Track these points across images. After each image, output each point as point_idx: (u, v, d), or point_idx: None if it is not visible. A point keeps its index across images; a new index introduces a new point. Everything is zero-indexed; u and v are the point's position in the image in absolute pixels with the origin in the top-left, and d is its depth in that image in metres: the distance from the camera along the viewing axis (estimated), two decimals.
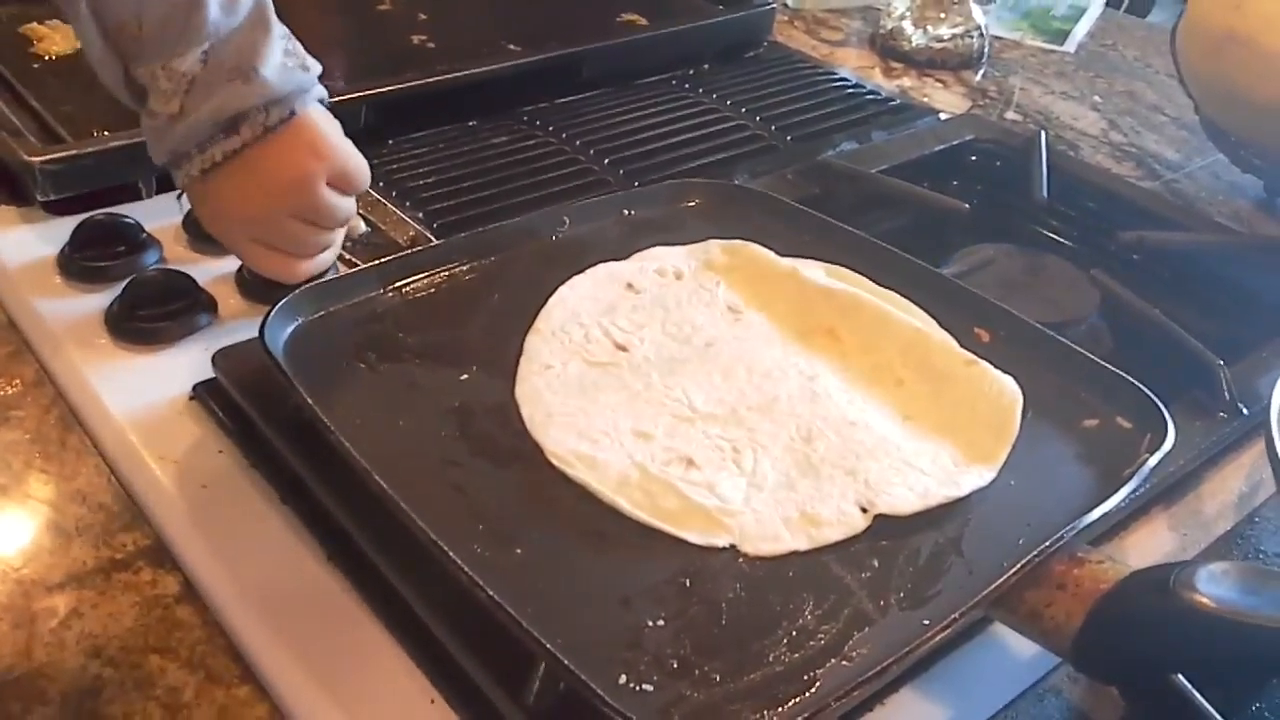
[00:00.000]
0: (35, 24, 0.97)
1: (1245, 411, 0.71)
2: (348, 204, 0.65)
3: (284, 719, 0.50)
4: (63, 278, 0.73)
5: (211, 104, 0.58)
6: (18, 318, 0.71)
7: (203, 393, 0.65)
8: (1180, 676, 0.46)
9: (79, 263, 0.74)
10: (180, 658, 0.52)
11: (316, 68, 0.62)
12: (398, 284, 0.68)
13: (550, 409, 0.60)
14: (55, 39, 0.94)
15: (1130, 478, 0.57)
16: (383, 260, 0.68)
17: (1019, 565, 0.49)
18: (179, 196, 0.67)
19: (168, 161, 0.61)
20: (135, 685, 0.51)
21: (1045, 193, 0.94)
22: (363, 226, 0.78)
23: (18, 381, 0.67)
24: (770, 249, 0.73)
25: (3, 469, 0.61)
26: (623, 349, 0.65)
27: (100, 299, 0.71)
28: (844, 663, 0.48)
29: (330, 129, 0.63)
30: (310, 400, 0.55)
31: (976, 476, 0.58)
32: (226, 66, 0.58)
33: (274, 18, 0.60)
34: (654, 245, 0.74)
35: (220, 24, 0.58)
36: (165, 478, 0.60)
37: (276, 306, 0.62)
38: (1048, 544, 0.50)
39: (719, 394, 0.62)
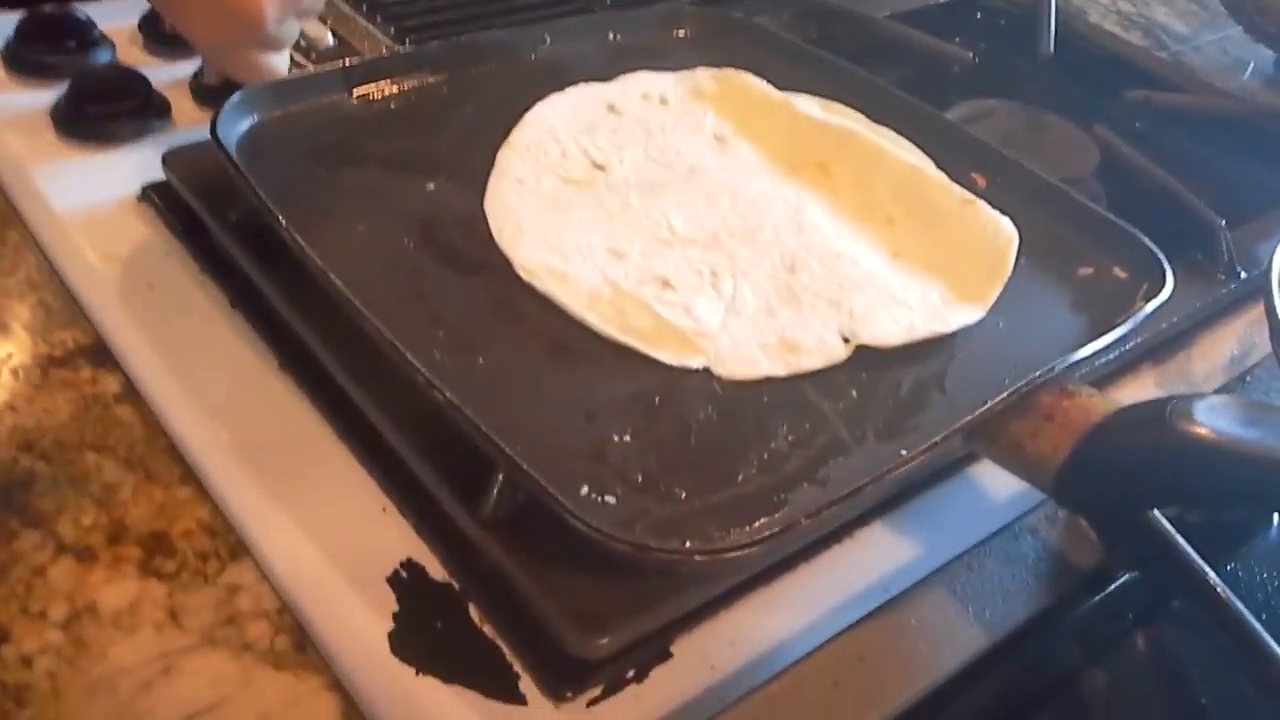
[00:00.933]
0: None
1: (1243, 275, 0.68)
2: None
3: (226, 521, 0.47)
4: (7, 72, 0.69)
5: None
6: None
7: (152, 194, 0.61)
8: (1159, 514, 0.44)
9: (24, 56, 0.69)
10: (118, 456, 0.49)
11: None
12: (364, 89, 0.64)
13: (520, 222, 0.56)
14: None
15: (1124, 321, 0.54)
16: (348, 61, 0.64)
17: (1006, 393, 0.47)
18: None
19: None
20: (69, 480, 0.48)
21: (1051, 50, 0.89)
22: (330, 39, 0.74)
23: None
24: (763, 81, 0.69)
25: None
26: (600, 168, 0.61)
27: (47, 95, 0.66)
28: (816, 487, 0.46)
29: None
30: (263, 196, 0.52)
31: (965, 314, 0.55)
32: None
33: None
34: (639, 70, 0.70)
35: None
36: (109, 276, 0.56)
37: (230, 100, 0.57)
38: (1037, 374, 0.48)
39: (700, 219, 0.59)
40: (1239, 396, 0.54)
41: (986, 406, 0.47)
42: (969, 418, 0.46)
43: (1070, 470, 0.45)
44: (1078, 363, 0.51)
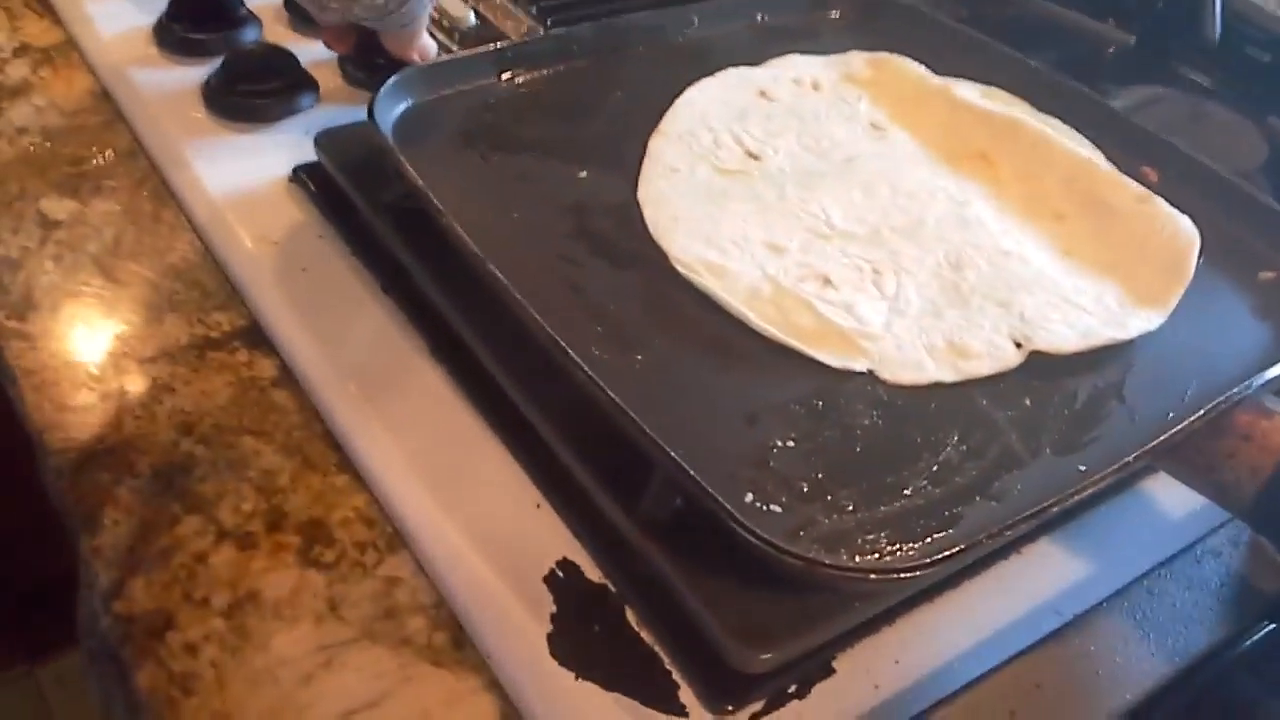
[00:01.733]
0: None
1: None
2: None
3: (382, 510, 0.47)
4: (159, 48, 0.69)
5: None
6: (112, 86, 0.67)
7: (303, 175, 0.61)
8: None
9: (176, 33, 0.69)
10: (276, 441, 0.49)
11: None
12: (513, 73, 0.63)
13: (676, 213, 0.55)
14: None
15: None
16: (499, 45, 0.63)
17: (1203, 411, 0.44)
18: None
19: None
20: (228, 465, 0.48)
21: (1217, 33, 0.84)
22: (472, 18, 0.73)
23: (110, 152, 0.64)
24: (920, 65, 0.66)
25: (94, 238, 0.58)
26: (755, 157, 0.59)
27: (198, 72, 0.67)
28: (990, 502, 0.44)
29: None
30: (420, 182, 0.51)
31: (1144, 320, 0.52)
32: None
33: None
34: (790, 53, 0.68)
35: None
36: (264, 258, 0.56)
37: (387, 83, 0.57)
38: (1235, 390, 0.45)
39: (859, 212, 0.57)
40: None
41: (1182, 425, 0.44)
42: (1160, 438, 0.44)
43: (1271, 495, 0.42)
44: (1274, 380, 0.47)
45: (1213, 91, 0.85)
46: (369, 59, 0.66)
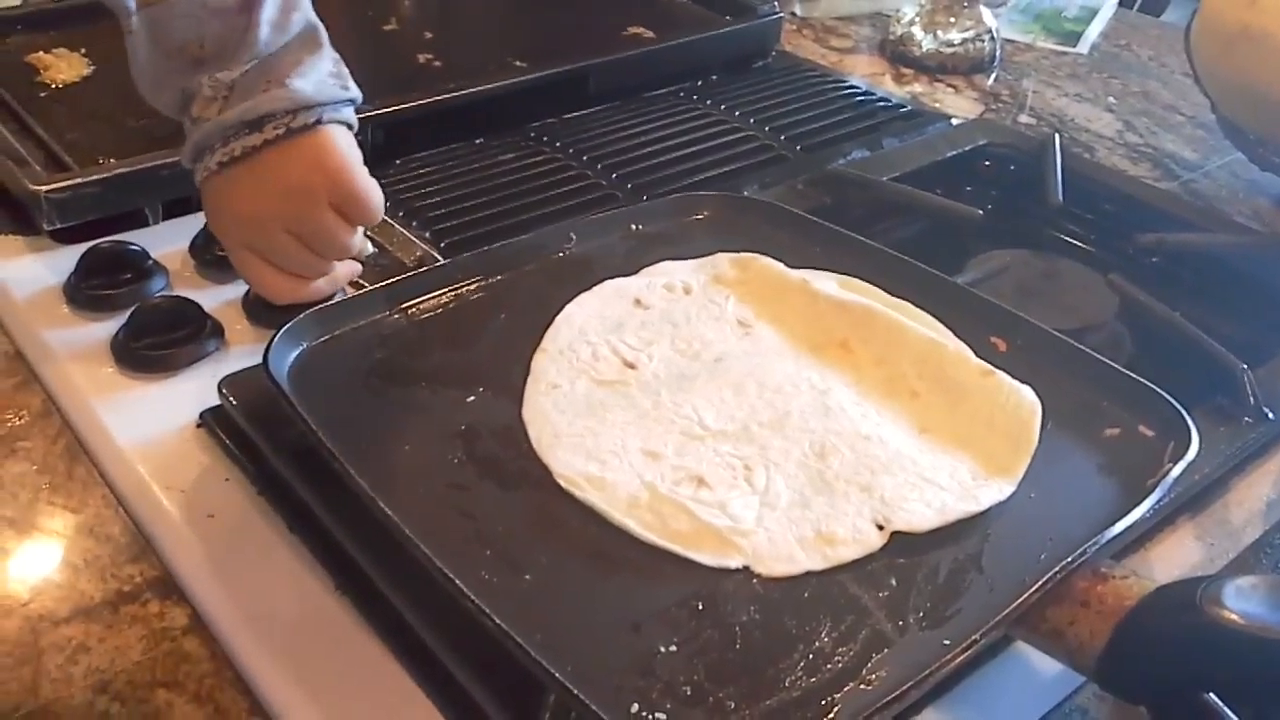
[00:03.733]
0: (41, 53, 0.97)
1: (1271, 416, 0.69)
2: (347, 235, 0.65)
3: None
4: (70, 307, 0.73)
5: (245, 105, 0.61)
6: (25, 348, 0.71)
7: (210, 420, 0.64)
8: (1212, 695, 0.45)
9: (85, 291, 0.73)
10: (188, 691, 0.51)
11: (358, 96, 0.65)
12: (405, 305, 0.67)
13: (557, 429, 0.59)
14: (61, 67, 0.94)
15: (1154, 488, 0.55)
16: (390, 281, 0.67)
17: (1040, 583, 0.48)
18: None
19: (192, 157, 0.63)
20: None
21: (1060, 196, 0.92)
22: (370, 248, 0.78)
23: (25, 413, 0.67)
24: (780, 260, 0.72)
25: (10, 501, 0.61)
26: (631, 366, 0.64)
27: (107, 327, 0.71)
28: (863, 686, 0.47)
29: (349, 152, 0.65)
30: (314, 426, 0.55)
31: (995, 490, 0.57)
32: (267, 76, 0.61)
33: (326, 41, 0.65)
34: (662, 260, 0.74)
35: (270, 41, 0.62)
36: (172, 508, 0.59)
37: (280, 331, 0.61)
38: (1070, 560, 0.49)
39: (730, 410, 0.61)
40: (1268, 576, 0.54)
41: (1022, 598, 0.48)
42: (1006, 610, 0.47)
43: (1110, 657, 0.45)
44: (1109, 541, 0.52)
45: (1064, 249, 0.92)
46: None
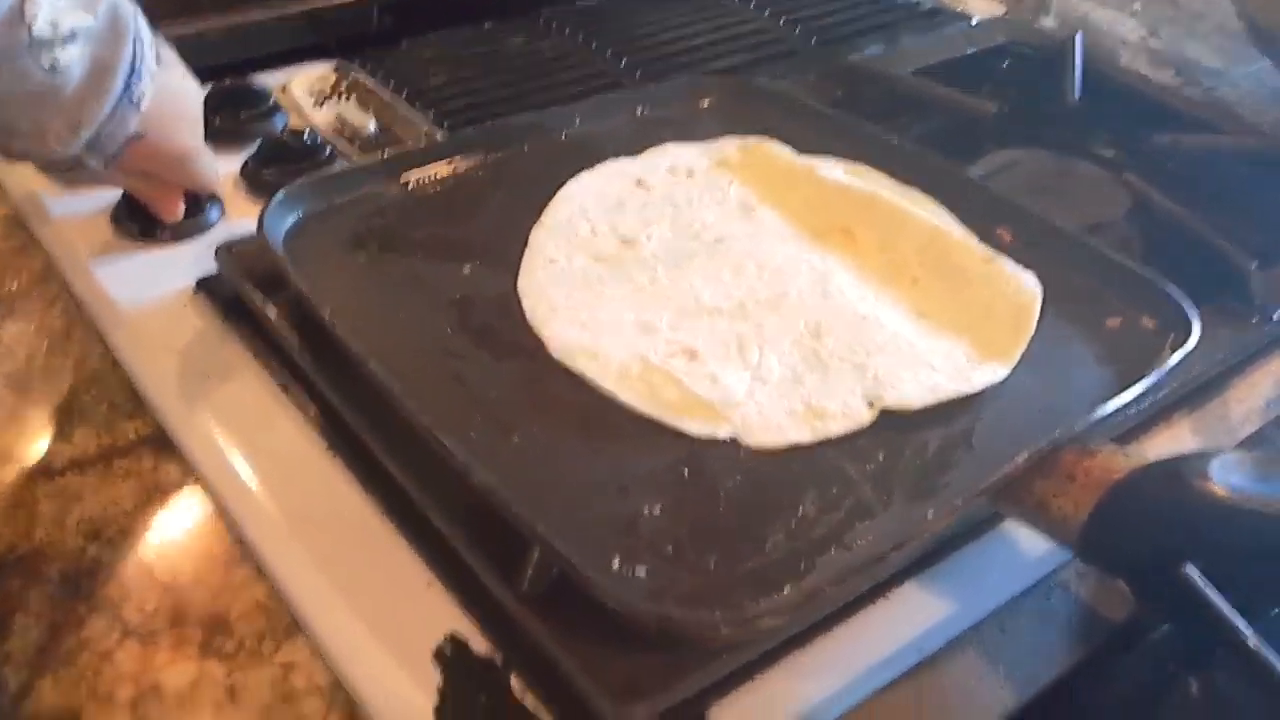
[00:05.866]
0: None
1: (1276, 317, 0.68)
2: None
3: (280, 600, 0.50)
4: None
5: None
6: (24, 213, 0.71)
7: (206, 287, 0.64)
8: (1191, 569, 0.45)
9: None
10: (178, 542, 0.52)
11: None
12: (403, 178, 0.67)
13: (553, 302, 0.59)
14: None
15: (1149, 374, 0.55)
16: (388, 152, 0.67)
17: (1027, 454, 0.48)
18: None
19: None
20: (133, 566, 0.51)
21: (1078, 97, 0.90)
22: (371, 127, 0.77)
23: (24, 275, 0.67)
24: (787, 147, 0.71)
25: (8, 358, 0.61)
26: (629, 244, 0.63)
27: (106, 195, 0.70)
28: (844, 551, 0.48)
29: (168, 137, 0.61)
30: (306, 290, 0.55)
31: (990, 372, 0.56)
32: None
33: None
34: (666, 143, 0.73)
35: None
36: (168, 367, 0.59)
37: (276, 197, 0.61)
38: (1057, 433, 0.49)
39: (727, 289, 0.61)
40: (1254, 452, 0.54)
41: (1008, 468, 0.48)
42: (991, 480, 0.47)
43: (1092, 529, 0.45)
44: (1101, 420, 0.51)
45: (1079, 150, 0.91)
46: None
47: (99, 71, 0.55)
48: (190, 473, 0.55)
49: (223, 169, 0.71)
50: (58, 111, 0.55)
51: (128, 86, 0.56)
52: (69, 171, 0.59)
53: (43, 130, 0.55)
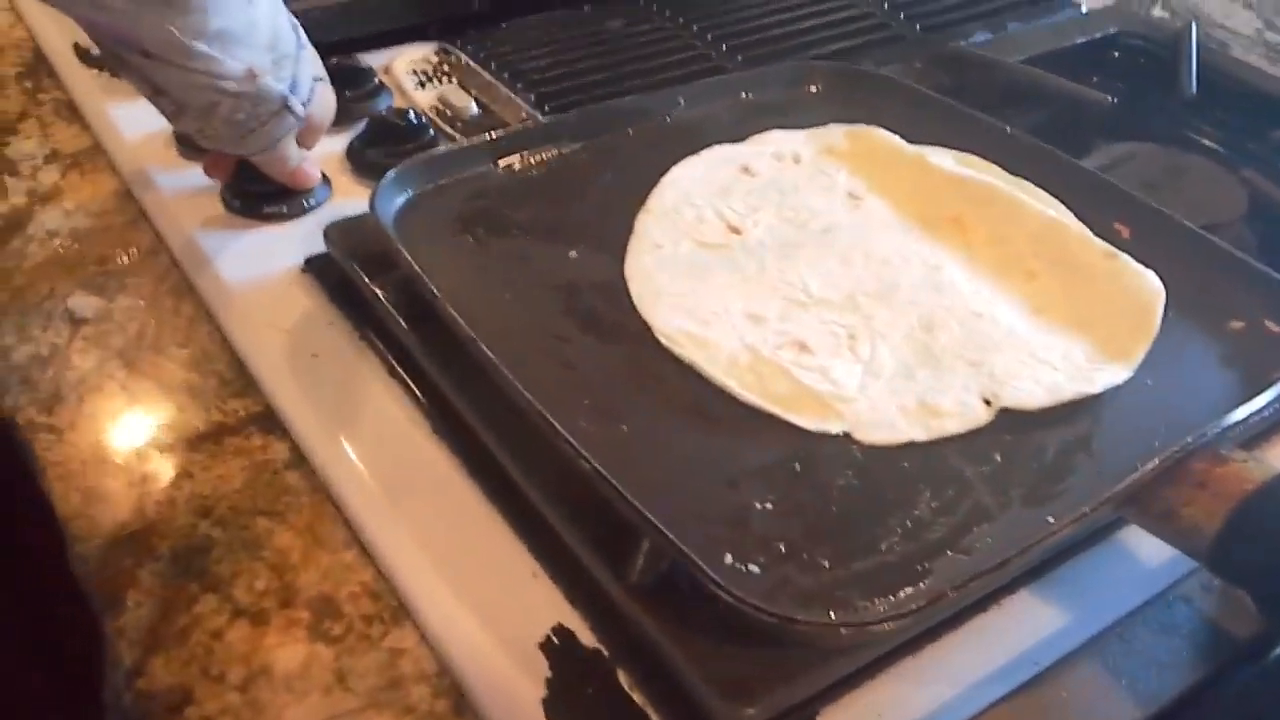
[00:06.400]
0: None
1: None
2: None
3: (388, 585, 0.50)
4: (179, 149, 0.73)
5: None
6: (135, 188, 0.72)
7: (314, 266, 0.64)
8: None
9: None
10: (288, 521, 0.52)
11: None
12: (508, 160, 0.66)
13: (659, 288, 0.58)
14: None
15: (1278, 380, 0.53)
16: (494, 135, 0.67)
17: (1157, 460, 0.46)
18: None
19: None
20: (243, 545, 0.51)
21: (1194, 89, 0.87)
22: (474, 108, 0.77)
23: (134, 249, 0.68)
24: (895, 135, 0.70)
25: (118, 333, 0.62)
26: (736, 231, 0.62)
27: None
28: (961, 555, 0.46)
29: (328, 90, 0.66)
30: (418, 269, 0.55)
31: (1111, 374, 0.55)
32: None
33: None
34: (771, 129, 0.71)
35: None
36: (277, 346, 0.60)
37: (387, 177, 0.61)
38: (1189, 440, 0.47)
39: (836, 280, 0.59)
40: None
41: (1137, 475, 0.46)
42: (1118, 487, 0.46)
43: (1225, 540, 0.44)
44: (1231, 426, 0.49)
45: (1193, 145, 0.88)
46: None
47: (280, 15, 0.60)
48: (298, 452, 0.55)
49: (329, 149, 0.72)
50: (259, 47, 0.58)
51: (297, 34, 0.61)
52: (275, 120, 0.60)
53: (254, 66, 0.58)
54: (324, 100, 0.65)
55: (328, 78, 0.66)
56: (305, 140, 0.66)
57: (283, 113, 0.60)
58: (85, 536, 0.51)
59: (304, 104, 0.61)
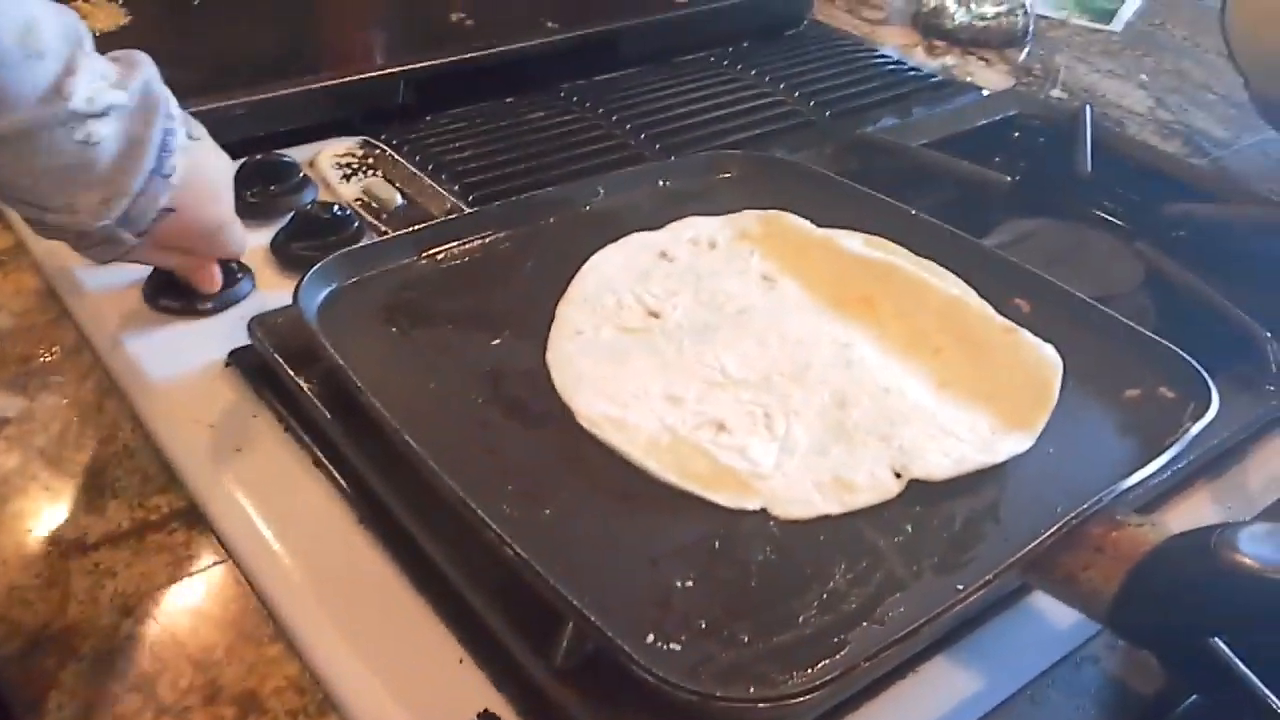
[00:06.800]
0: (79, 1, 0.98)
1: None
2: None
3: (313, 678, 0.50)
4: None
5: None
6: (58, 285, 0.72)
7: (238, 359, 0.65)
8: (1219, 641, 0.45)
9: None
10: (212, 617, 0.52)
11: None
12: (432, 251, 0.68)
13: (581, 373, 0.59)
14: (99, 16, 0.95)
15: (1171, 445, 0.55)
16: (417, 227, 0.68)
17: (1055, 527, 0.48)
18: None
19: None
20: (167, 643, 0.51)
21: (1089, 167, 0.92)
22: (398, 200, 0.79)
23: (57, 348, 0.68)
24: (806, 219, 0.72)
25: (41, 432, 0.62)
26: (655, 315, 0.64)
27: (137, 268, 0.71)
28: (875, 625, 0.48)
29: (200, 209, 0.63)
30: (341, 361, 0.56)
31: (1014, 443, 0.57)
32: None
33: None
34: (688, 215, 0.74)
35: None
36: (200, 441, 0.60)
37: (311, 271, 0.62)
38: (1085, 506, 0.49)
39: (751, 360, 0.61)
40: None
41: (1036, 541, 0.48)
42: (1020, 554, 0.48)
43: (1123, 602, 0.46)
44: (1126, 491, 0.52)
45: (1091, 219, 0.92)
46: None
47: (132, 146, 0.57)
48: (222, 547, 0.56)
49: (254, 242, 0.72)
50: (91, 185, 0.56)
51: (159, 161, 0.58)
52: (101, 247, 0.60)
53: (75, 204, 0.57)
54: (200, 180, 0.62)
55: (205, 137, 0.63)
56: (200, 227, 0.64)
57: (112, 240, 0.59)
58: (6, 638, 0.50)
59: (141, 232, 0.59)
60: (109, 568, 0.54)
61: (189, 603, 0.53)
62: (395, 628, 0.51)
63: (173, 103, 0.60)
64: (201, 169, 0.62)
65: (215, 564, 0.55)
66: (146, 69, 0.59)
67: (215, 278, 0.68)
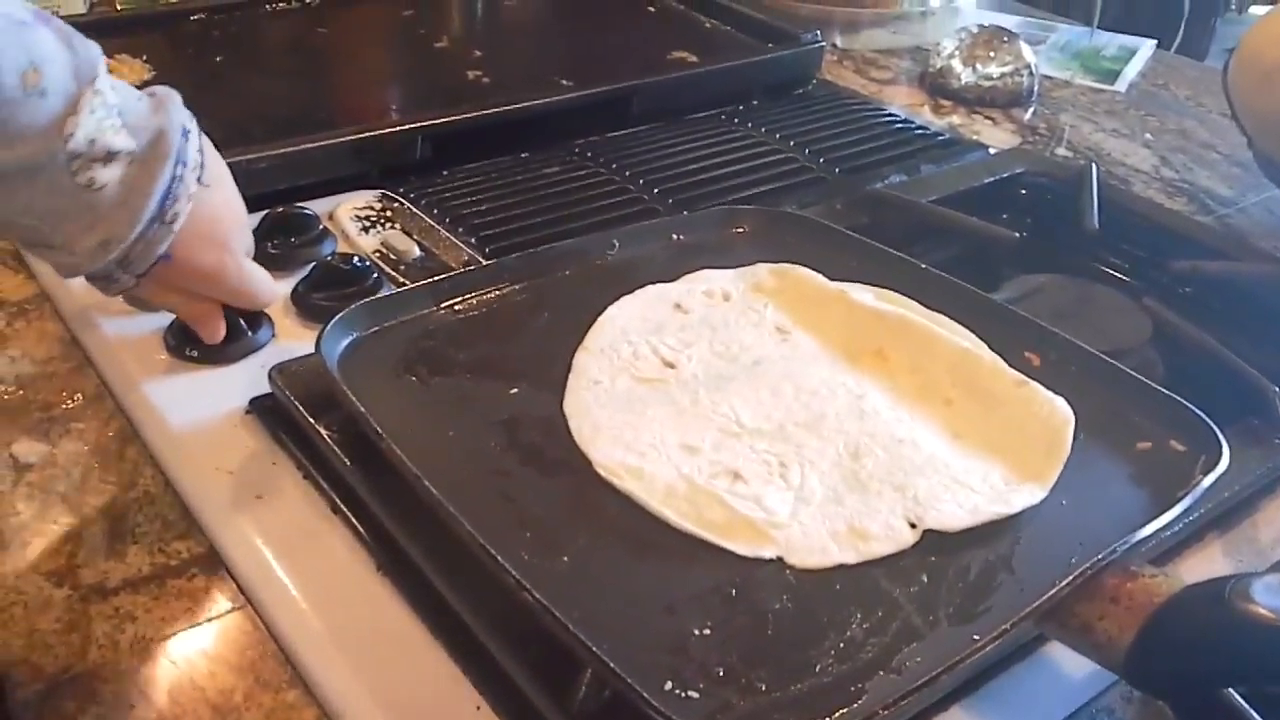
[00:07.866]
0: (105, 59, 1.00)
1: None
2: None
3: None
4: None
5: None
6: (80, 334, 0.73)
7: (258, 407, 0.66)
8: (1233, 691, 0.45)
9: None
10: (230, 662, 0.53)
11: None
12: (450, 302, 0.69)
13: (598, 422, 0.60)
14: (123, 72, 0.97)
15: (1184, 497, 0.56)
16: (436, 278, 0.69)
17: (1071, 578, 0.49)
18: None
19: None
20: (186, 687, 0.51)
21: (1096, 224, 0.93)
22: (416, 251, 0.80)
23: (79, 395, 0.69)
24: (819, 273, 0.73)
25: (63, 478, 0.62)
26: (670, 366, 0.65)
27: (158, 317, 0.72)
28: (892, 675, 0.48)
29: (196, 257, 0.62)
30: (362, 408, 0.56)
31: (1028, 495, 0.58)
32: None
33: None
34: (702, 268, 0.75)
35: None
36: (221, 488, 0.61)
37: (333, 321, 0.63)
38: (1100, 557, 0.50)
39: (766, 410, 0.62)
40: None
41: (1053, 592, 0.48)
42: (1036, 604, 0.48)
43: (1138, 652, 0.46)
44: (1140, 542, 0.52)
45: (1099, 275, 0.93)
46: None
47: (133, 193, 0.57)
48: (241, 593, 0.56)
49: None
50: (88, 228, 0.57)
51: (161, 209, 0.58)
52: (100, 282, 0.60)
53: (73, 244, 0.57)
54: (204, 225, 0.61)
55: (218, 182, 0.63)
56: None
57: (110, 279, 0.59)
58: (27, 681, 0.51)
59: (140, 274, 0.59)
60: (129, 612, 0.55)
61: (208, 647, 0.53)
62: (412, 674, 0.51)
63: (190, 147, 0.59)
64: (207, 216, 0.61)
65: (234, 609, 0.55)
66: (173, 111, 0.59)
67: (218, 328, 0.68)
